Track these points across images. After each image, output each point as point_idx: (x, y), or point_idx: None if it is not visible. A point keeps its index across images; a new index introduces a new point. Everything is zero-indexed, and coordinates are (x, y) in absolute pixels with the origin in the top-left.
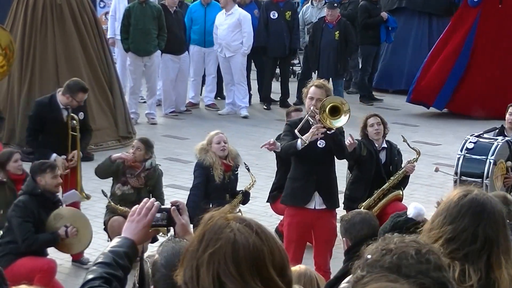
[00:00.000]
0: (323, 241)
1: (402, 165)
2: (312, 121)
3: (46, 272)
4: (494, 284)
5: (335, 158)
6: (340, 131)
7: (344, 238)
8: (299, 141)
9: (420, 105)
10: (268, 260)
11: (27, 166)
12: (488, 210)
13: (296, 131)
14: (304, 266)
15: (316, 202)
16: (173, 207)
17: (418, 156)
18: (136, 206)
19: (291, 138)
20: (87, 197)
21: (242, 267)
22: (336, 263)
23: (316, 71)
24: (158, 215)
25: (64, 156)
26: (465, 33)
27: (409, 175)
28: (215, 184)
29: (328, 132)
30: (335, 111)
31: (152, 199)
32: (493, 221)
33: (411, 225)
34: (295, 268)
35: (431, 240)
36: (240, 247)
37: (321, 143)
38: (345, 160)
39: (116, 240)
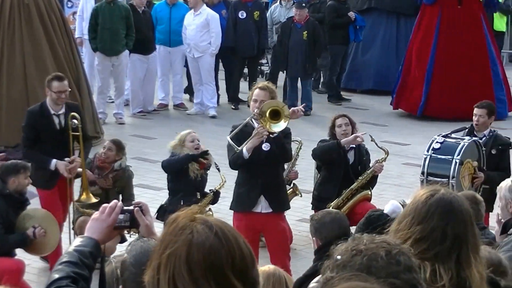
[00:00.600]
0: (275, 245)
1: (371, 165)
2: (256, 124)
3: (14, 273)
4: (465, 282)
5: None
6: (285, 134)
7: (314, 238)
8: (244, 150)
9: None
10: (226, 263)
11: None
12: (456, 208)
13: (229, 137)
14: (274, 266)
15: (262, 206)
16: (136, 208)
17: (387, 156)
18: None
19: (238, 146)
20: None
21: (196, 271)
22: (304, 263)
23: (285, 71)
24: (121, 216)
25: (68, 159)
26: (431, 35)
27: (378, 175)
28: (188, 179)
29: (271, 135)
30: (276, 115)
31: (116, 200)
32: (461, 219)
33: (386, 221)
34: (264, 268)
35: (398, 241)
36: (195, 250)
37: (266, 146)
38: (313, 160)
39: (80, 240)
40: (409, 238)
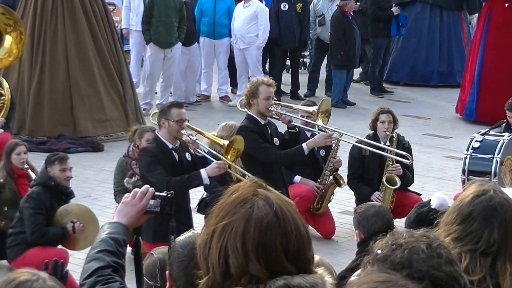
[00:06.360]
0: None
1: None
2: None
3: None
4: None
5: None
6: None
7: (357, 231)
8: (305, 145)
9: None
10: (280, 243)
11: (36, 156)
12: (499, 214)
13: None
14: (319, 256)
15: None
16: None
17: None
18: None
19: (267, 143)
20: None
21: (249, 246)
22: (346, 255)
23: (356, 65)
24: (152, 201)
25: None
26: (480, 36)
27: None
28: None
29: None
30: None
31: (147, 185)
32: (503, 226)
33: (435, 216)
34: None
35: (441, 235)
36: (252, 225)
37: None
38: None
39: (112, 226)
40: (448, 235)
